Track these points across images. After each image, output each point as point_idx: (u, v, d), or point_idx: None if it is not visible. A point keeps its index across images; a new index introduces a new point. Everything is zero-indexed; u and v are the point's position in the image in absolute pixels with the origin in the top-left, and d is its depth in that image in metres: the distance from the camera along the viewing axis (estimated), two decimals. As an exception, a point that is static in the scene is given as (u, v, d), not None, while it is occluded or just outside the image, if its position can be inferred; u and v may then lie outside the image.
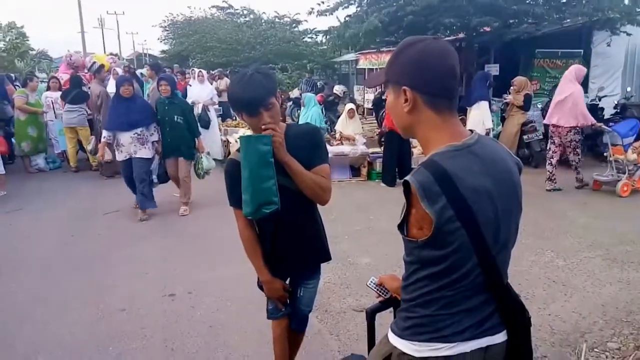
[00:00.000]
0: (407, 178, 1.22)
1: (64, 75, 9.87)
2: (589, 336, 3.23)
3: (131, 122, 5.70)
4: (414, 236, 1.25)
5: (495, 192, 1.25)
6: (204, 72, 10.14)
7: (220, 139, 9.55)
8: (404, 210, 1.26)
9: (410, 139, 7.30)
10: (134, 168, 5.82)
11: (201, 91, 9.50)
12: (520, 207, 1.36)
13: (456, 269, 1.23)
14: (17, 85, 10.95)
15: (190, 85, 10.23)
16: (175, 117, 5.84)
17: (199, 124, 9.33)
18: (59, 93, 8.85)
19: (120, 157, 5.88)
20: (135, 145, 5.75)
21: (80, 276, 4.38)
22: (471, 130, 1.34)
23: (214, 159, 9.12)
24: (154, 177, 6.13)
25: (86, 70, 9.78)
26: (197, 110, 9.14)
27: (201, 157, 6.16)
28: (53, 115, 8.80)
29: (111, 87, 9.07)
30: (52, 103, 8.77)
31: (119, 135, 5.76)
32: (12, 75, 13.81)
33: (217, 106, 12.06)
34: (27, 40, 29.98)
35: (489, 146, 1.32)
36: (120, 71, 9.58)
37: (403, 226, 1.28)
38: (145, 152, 5.82)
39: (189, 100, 9.34)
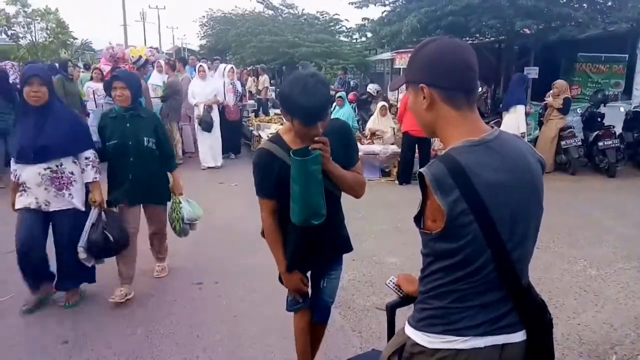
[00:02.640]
0: (421, 170, 1.24)
1: (105, 67, 10.17)
2: (620, 348, 3.13)
3: (38, 148, 3.29)
4: (428, 228, 1.27)
5: (512, 188, 1.25)
6: (205, 65, 8.94)
7: (220, 142, 8.73)
8: (420, 203, 1.29)
9: (431, 142, 7.47)
10: (56, 231, 3.50)
11: (204, 88, 8.42)
12: (540, 204, 1.34)
13: (469, 263, 1.24)
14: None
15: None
16: (145, 139, 3.63)
17: (200, 127, 8.45)
18: (101, 84, 9.14)
19: (19, 202, 3.40)
20: (46, 188, 3.34)
21: (112, 262, 4.51)
22: (492, 127, 1.35)
23: (210, 167, 8.54)
24: (81, 247, 3.46)
25: (131, 63, 10.01)
26: (198, 111, 8.36)
27: (179, 202, 4.01)
28: (93, 104, 9.08)
29: (153, 80, 9.27)
30: (93, 93, 9.05)
31: (20, 169, 3.38)
32: (57, 65, 14.28)
33: (252, 101, 12.15)
34: (68, 29, 30.74)
35: (508, 142, 1.32)
36: (163, 64, 9.71)
37: (420, 219, 1.30)
38: (66, 202, 3.42)
39: (191, 100, 8.48)
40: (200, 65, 8.79)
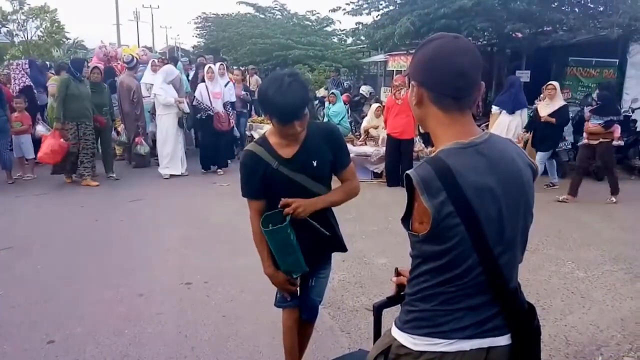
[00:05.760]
0: (408, 172, 1.24)
1: (98, 66, 10.10)
2: (605, 349, 3.16)
3: None
4: (416, 230, 1.27)
5: (499, 192, 1.25)
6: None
7: (182, 148, 8.05)
8: (407, 204, 1.29)
9: (415, 144, 7.65)
10: None
11: (166, 92, 7.65)
12: (529, 208, 1.34)
13: (456, 265, 1.24)
14: (52, 73, 11.27)
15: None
16: None
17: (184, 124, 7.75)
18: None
19: None
20: None
21: (102, 260, 4.50)
22: (483, 129, 1.35)
23: (173, 175, 7.73)
24: None
25: (124, 63, 9.95)
26: (184, 107, 7.71)
27: None
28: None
29: (145, 79, 9.19)
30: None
31: None
32: (47, 63, 14.23)
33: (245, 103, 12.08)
34: (63, 28, 30.56)
35: (498, 146, 1.31)
36: (157, 63, 9.59)
37: (408, 221, 1.30)
38: None
39: (169, 100, 7.53)
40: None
